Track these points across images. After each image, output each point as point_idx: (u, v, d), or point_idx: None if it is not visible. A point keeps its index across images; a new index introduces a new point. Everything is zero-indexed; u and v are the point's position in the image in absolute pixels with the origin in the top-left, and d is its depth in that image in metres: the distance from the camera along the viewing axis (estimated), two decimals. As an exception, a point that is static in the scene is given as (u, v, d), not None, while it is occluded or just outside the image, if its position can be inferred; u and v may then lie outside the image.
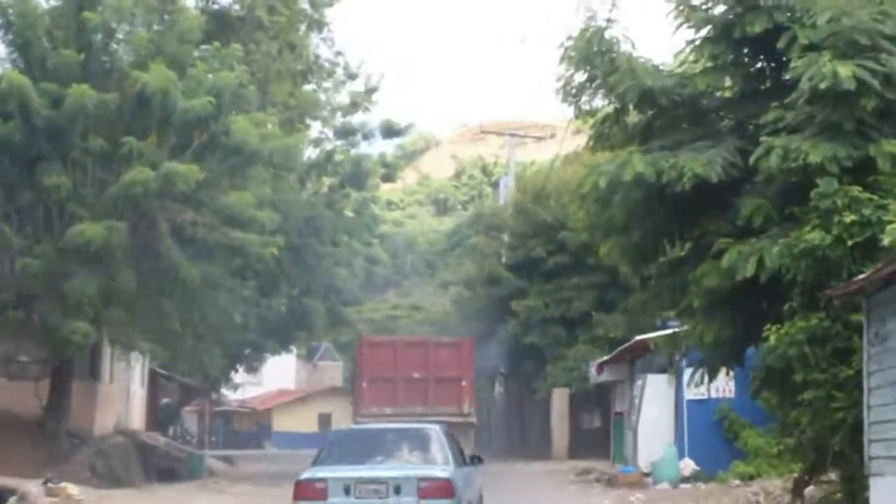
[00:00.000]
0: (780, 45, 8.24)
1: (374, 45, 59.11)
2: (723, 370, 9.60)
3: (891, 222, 7.24)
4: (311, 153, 21.33)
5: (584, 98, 9.07)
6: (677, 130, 8.88)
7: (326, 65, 20.86)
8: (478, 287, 24.76)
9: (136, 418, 21.23)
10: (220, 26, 17.23)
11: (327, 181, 22.26)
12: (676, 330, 9.93)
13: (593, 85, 8.93)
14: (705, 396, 13.29)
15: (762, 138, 7.99)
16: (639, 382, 15.02)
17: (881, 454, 6.96)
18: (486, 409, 27.21)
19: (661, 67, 8.94)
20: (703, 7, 8.84)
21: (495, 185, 41.35)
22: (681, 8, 8.80)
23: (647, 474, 13.86)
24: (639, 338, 14.53)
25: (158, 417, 24.22)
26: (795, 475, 9.26)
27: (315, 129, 21.50)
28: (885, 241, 7.16)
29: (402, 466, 7.90)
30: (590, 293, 21.07)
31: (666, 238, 9.12)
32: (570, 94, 9.05)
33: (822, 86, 7.61)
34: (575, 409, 21.29)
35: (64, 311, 13.40)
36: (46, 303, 13.75)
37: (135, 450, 17.69)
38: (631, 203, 8.69)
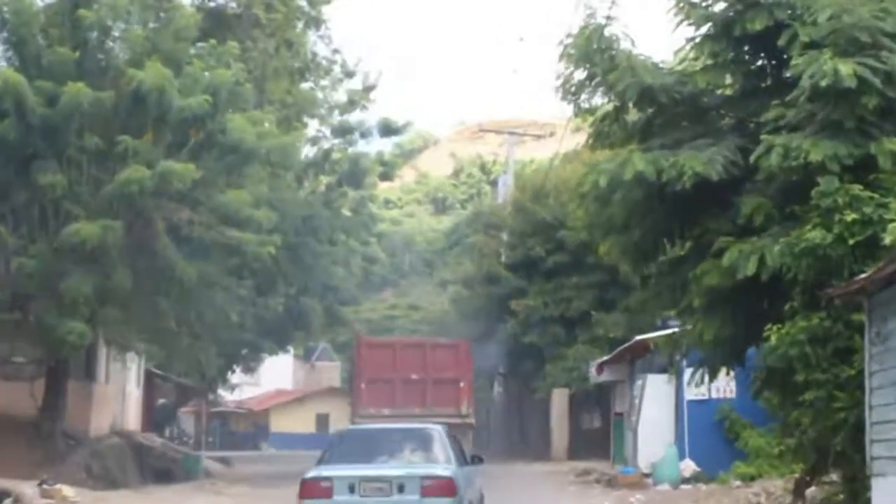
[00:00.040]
0: (781, 42, 8.19)
1: (374, 45, 59.13)
2: (723, 370, 9.56)
3: (892, 221, 7.20)
4: (308, 151, 21.28)
5: (583, 96, 9.03)
6: (677, 128, 8.83)
7: (324, 62, 20.78)
8: (476, 286, 24.70)
9: (132, 419, 21.15)
10: (216, 24, 17.13)
11: (325, 180, 22.18)
12: (676, 330, 9.87)
13: (593, 83, 8.89)
14: (706, 397, 13.24)
15: (763, 136, 7.95)
16: (639, 382, 14.96)
17: (883, 454, 6.92)
18: (485, 410, 27.17)
19: (661, 65, 8.90)
20: (704, 4, 8.79)
21: (494, 184, 41.27)
22: (681, 5, 8.75)
23: (647, 475, 13.81)
24: (639, 338, 14.48)
25: (155, 418, 24.15)
26: (797, 476, 9.22)
27: (312, 127, 21.46)
28: (887, 239, 7.13)
29: (406, 465, 8.05)
30: (589, 292, 21.02)
31: (666, 237, 9.08)
32: (570, 92, 9.01)
33: (823, 83, 7.57)
34: (575, 410, 21.25)
35: (59, 311, 13.32)
36: (42, 302, 13.67)
37: (131, 451, 17.61)
38: (631, 202, 8.64)
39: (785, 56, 8.34)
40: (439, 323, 30.11)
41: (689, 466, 13.34)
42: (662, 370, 13.93)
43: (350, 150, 22.04)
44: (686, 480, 13.17)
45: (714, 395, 13.35)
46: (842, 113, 7.74)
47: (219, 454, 25.48)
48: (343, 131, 21.93)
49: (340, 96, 21.78)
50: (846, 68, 7.51)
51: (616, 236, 9.20)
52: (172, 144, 14.02)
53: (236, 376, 28.46)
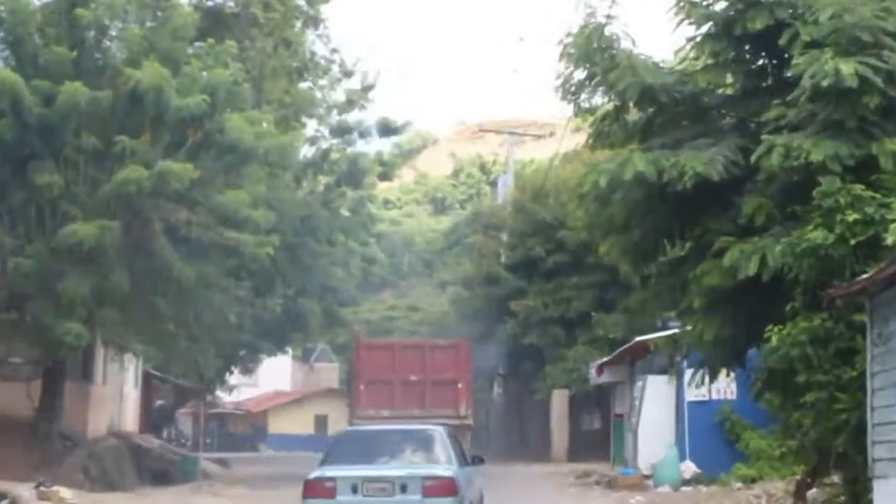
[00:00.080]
0: (782, 41, 8.15)
1: (374, 45, 59.11)
2: (723, 371, 9.51)
3: (894, 221, 7.15)
4: (306, 151, 21.23)
5: (583, 96, 8.99)
6: (678, 128, 8.79)
7: (322, 62, 20.73)
8: (476, 287, 24.66)
9: (130, 420, 21.09)
10: (214, 23, 17.08)
11: (323, 180, 22.14)
12: (677, 330, 9.82)
13: (593, 82, 8.85)
14: (706, 398, 13.20)
15: (763, 136, 7.91)
16: (639, 384, 14.92)
17: (885, 456, 6.87)
18: (484, 411, 27.12)
19: (661, 64, 8.86)
20: (704, 3, 8.75)
21: (494, 184, 41.24)
22: (681, 4, 8.71)
23: (647, 477, 13.77)
24: (639, 339, 14.44)
25: (152, 419, 24.09)
26: (798, 477, 9.17)
27: (311, 127, 21.41)
28: (889, 239, 7.08)
29: (408, 466, 8.21)
30: (589, 293, 20.98)
31: (666, 237, 9.04)
32: (570, 91, 8.97)
33: (825, 83, 7.53)
34: (574, 411, 21.20)
35: (56, 312, 13.27)
36: (39, 303, 13.62)
37: (128, 452, 17.56)
38: (631, 202, 8.60)
39: (786, 55, 8.30)
40: (439, 324, 30.06)
41: (689, 468, 13.30)
42: (663, 371, 13.88)
43: (349, 150, 21.99)
44: (686, 482, 13.12)
45: (715, 397, 13.31)
46: (843, 113, 7.70)
47: (217, 455, 25.42)
48: (342, 131, 21.88)
49: (339, 96, 21.76)
50: (847, 68, 7.47)
51: (616, 236, 9.16)
52: (170, 144, 13.97)
53: (234, 377, 28.38)
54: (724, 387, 12.92)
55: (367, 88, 21.74)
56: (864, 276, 6.90)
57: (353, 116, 21.92)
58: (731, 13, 8.54)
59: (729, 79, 9.10)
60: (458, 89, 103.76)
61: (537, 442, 22.85)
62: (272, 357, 27.36)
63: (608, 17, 8.76)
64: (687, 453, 13.52)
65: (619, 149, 8.85)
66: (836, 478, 8.28)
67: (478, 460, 9.26)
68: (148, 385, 23.03)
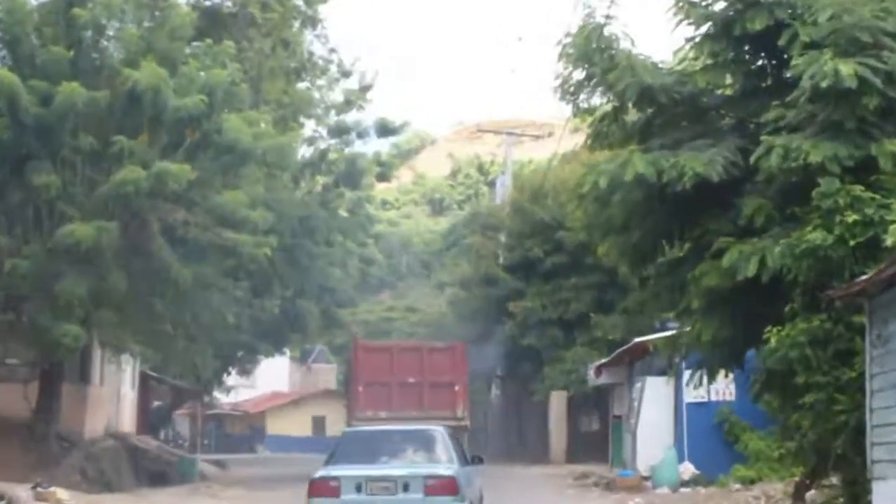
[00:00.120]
0: (781, 42, 8.14)
1: (374, 45, 59.04)
2: (722, 372, 9.50)
3: (893, 222, 7.15)
4: (304, 152, 21.20)
5: (582, 96, 8.99)
6: (677, 129, 8.78)
7: (320, 62, 20.71)
8: (474, 288, 24.62)
9: (127, 421, 21.03)
10: (211, 23, 17.04)
11: (321, 180, 22.11)
12: (675, 332, 9.80)
13: (592, 83, 8.84)
14: (705, 399, 13.18)
15: (762, 137, 7.90)
16: (638, 385, 14.89)
17: (884, 458, 6.86)
18: (482, 412, 27.07)
19: (660, 65, 8.85)
20: (703, 3, 8.75)
21: (492, 185, 41.23)
22: (680, 4, 8.70)
23: (646, 478, 13.74)
24: (638, 340, 14.42)
25: (150, 420, 24.02)
26: (797, 479, 9.17)
27: (309, 127, 21.38)
28: (888, 241, 7.07)
29: (410, 465, 8.40)
30: (588, 294, 20.95)
31: (665, 238, 9.03)
32: (569, 91, 8.96)
33: (824, 84, 7.52)
34: (573, 412, 21.17)
35: (53, 313, 13.23)
36: (36, 304, 13.58)
37: (125, 453, 17.52)
38: (631, 203, 8.60)
39: (785, 56, 8.29)
40: (437, 325, 30.00)
41: (688, 469, 13.27)
42: (661, 372, 13.86)
43: (347, 150, 21.98)
44: (685, 483, 13.10)
45: (713, 398, 13.29)
46: (842, 114, 7.69)
47: (214, 457, 25.37)
48: (340, 131, 21.86)
49: (337, 96, 21.74)
50: (847, 69, 7.46)
51: (615, 237, 9.15)
52: (168, 145, 13.94)
53: (232, 378, 28.33)
54: (723, 388, 12.89)
55: (365, 89, 21.73)
56: (864, 277, 6.90)
57: (351, 117, 21.93)
58: (731, 13, 8.54)
59: (728, 79, 9.09)
60: (457, 89, 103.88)
61: (535, 443, 22.82)
62: (270, 358, 27.31)
63: (607, 17, 8.77)
64: (686, 455, 13.49)
65: (618, 149, 8.84)
66: (834, 479, 8.27)
67: (477, 460, 9.43)
68: (145, 386, 22.97)
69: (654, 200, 8.51)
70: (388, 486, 8.06)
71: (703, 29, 8.74)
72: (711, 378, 9.54)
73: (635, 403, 14.84)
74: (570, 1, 25.65)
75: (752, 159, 7.88)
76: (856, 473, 7.51)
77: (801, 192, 7.75)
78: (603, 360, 17.50)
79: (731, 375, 10.36)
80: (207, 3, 18.09)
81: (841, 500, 8.08)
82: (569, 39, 8.81)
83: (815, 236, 7.42)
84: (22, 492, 11.51)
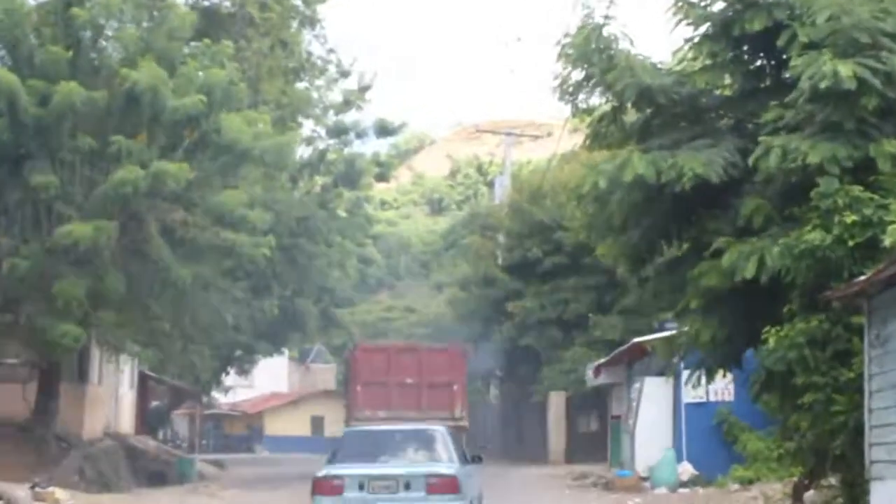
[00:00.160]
0: (780, 42, 8.14)
1: (373, 45, 58.94)
2: (720, 372, 9.50)
3: (892, 222, 7.15)
4: (303, 152, 21.23)
5: (581, 96, 8.99)
6: (676, 129, 8.78)
7: (319, 62, 20.71)
8: (473, 288, 24.62)
9: (126, 421, 21.00)
10: (210, 23, 17.03)
11: (320, 180, 22.12)
12: (674, 332, 9.80)
13: (591, 83, 8.84)
14: (704, 400, 13.18)
15: (761, 138, 7.90)
16: (636, 385, 14.89)
17: (882, 458, 6.86)
18: (481, 413, 27.06)
19: (659, 65, 8.85)
20: (702, 4, 8.75)
21: (491, 185, 41.22)
22: (679, 5, 8.70)
23: (644, 478, 13.74)
24: (636, 340, 14.42)
25: (148, 421, 23.97)
26: (795, 479, 9.17)
27: (307, 127, 21.39)
28: (887, 241, 7.07)
29: (412, 464, 8.51)
30: (587, 295, 20.96)
31: (664, 238, 9.03)
32: (568, 92, 8.95)
33: (823, 85, 7.52)
34: (572, 413, 21.17)
35: (52, 313, 13.21)
36: (34, 304, 13.55)
37: (124, 453, 17.50)
38: (630, 203, 8.60)
39: (784, 56, 8.29)
40: (435, 325, 30.01)
41: (686, 470, 13.27)
42: (660, 373, 13.86)
43: (345, 150, 21.97)
44: (684, 484, 13.10)
45: (712, 398, 13.29)
46: (841, 114, 7.69)
47: (213, 457, 25.33)
48: (338, 131, 21.86)
49: (336, 96, 21.75)
50: (846, 69, 7.46)
51: (614, 237, 9.15)
52: (166, 145, 13.93)
53: (230, 378, 28.29)
54: (722, 388, 12.89)
55: (363, 89, 21.75)
56: (862, 277, 6.90)
57: (349, 117, 21.96)
58: (730, 14, 8.53)
59: (727, 80, 9.09)
60: (456, 90, 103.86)
61: (534, 444, 22.82)
62: (268, 358, 27.29)
63: (606, 17, 8.77)
64: (684, 455, 13.49)
65: (617, 150, 8.84)
66: (833, 480, 8.26)
67: (477, 459, 9.55)
68: (144, 386, 22.94)
69: (653, 201, 8.50)
70: (391, 484, 8.19)
71: (702, 29, 8.74)
72: (710, 378, 9.53)
73: (634, 404, 14.84)
74: (569, 1, 25.64)
75: (750, 160, 7.88)
76: (854, 474, 7.51)
77: (800, 193, 7.75)
78: (602, 361, 17.50)
79: (729, 376, 10.36)
80: (206, 3, 18.09)
81: (839, 500, 8.07)
82: (568, 40, 8.81)
83: (814, 237, 7.42)
84: (20, 492, 11.49)
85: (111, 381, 19.52)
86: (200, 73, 14.17)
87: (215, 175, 14.60)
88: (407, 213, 52.49)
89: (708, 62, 8.88)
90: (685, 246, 8.92)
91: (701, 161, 7.98)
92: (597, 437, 19.22)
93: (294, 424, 36.89)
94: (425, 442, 8.86)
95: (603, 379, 17.47)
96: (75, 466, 14.69)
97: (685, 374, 10.55)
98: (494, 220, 25.55)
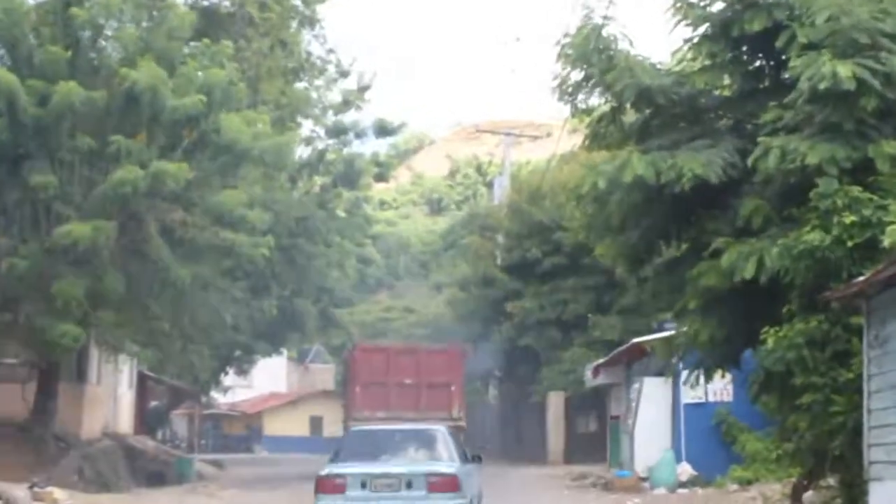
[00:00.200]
0: (779, 43, 8.15)
1: (373, 45, 58.88)
2: (719, 373, 9.51)
3: (891, 223, 7.15)
4: (302, 152, 21.23)
5: (580, 96, 9.00)
6: (675, 129, 8.79)
7: (318, 62, 20.71)
8: (472, 288, 24.63)
9: (124, 421, 20.99)
10: (210, 23, 17.02)
11: (319, 180, 22.12)
12: (673, 332, 9.81)
13: (590, 83, 8.85)
14: (703, 400, 13.19)
15: (760, 138, 7.90)
16: (635, 386, 14.89)
17: (881, 459, 6.86)
18: (480, 413, 27.06)
19: (658, 66, 8.85)
20: (702, 4, 8.75)
21: (490, 185, 41.22)
22: (679, 5, 8.71)
23: (643, 479, 13.75)
24: (635, 341, 14.43)
25: (147, 421, 23.96)
26: (794, 480, 9.17)
27: (307, 127, 21.39)
28: (886, 242, 7.07)
29: (413, 463, 8.67)
30: (586, 295, 20.98)
31: (663, 238, 9.04)
32: (567, 92, 8.96)
33: (822, 86, 7.53)
34: (571, 413, 21.18)
35: (51, 313, 13.19)
36: (33, 304, 13.54)
37: (122, 453, 17.48)
38: (629, 203, 8.61)
39: (783, 57, 8.30)
40: (434, 325, 30.00)
41: (685, 470, 13.28)
42: (659, 373, 13.86)
43: (345, 150, 21.99)
44: (683, 484, 13.10)
45: (711, 399, 13.29)
46: (841, 115, 7.69)
47: (211, 457, 25.32)
48: (337, 132, 21.87)
49: (335, 96, 21.76)
50: (845, 70, 7.46)
51: (613, 237, 9.16)
52: (166, 145, 13.92)
53: (229, 378, 28.28)
54: (721, 389, 12.90)
55: (363, 89, 21.75)
56: (861, 278, 6.90)
57: (349, 117, 21.97)
58: (729, 14, 8.54)
59: (726, 80, 9.10)
60: (456, 90, 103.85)
61: (533, 444, 22.82)
62: (267, 358, 27.28)
63: (606, 18, 8.77)
64: (683, 455, 13.49)
65: (616, 150, 8.85)
66: (832, 480, 8.27)
67: (476, 458, 9.68)
68: (142, 386, 22.92)
69: (653, 201, 8.51)
70: (393, 482, 8.33)
71: (702, 30, 8.75)
72: (708, 378, 9.54)
73: (633, 404, 14.84)
74: (568, 1, 25.63)
75: (749, 160, 7.88)
76: (853, 475, 7.52)
77: (799, 193, 7.76)
78: (601, 361, 17.50)
79: (728, 376, 10.36)
80: (205, 3, 18.08)
81: (838, 501, 8.08)
82: (567, 40, 8.81)
83: (813, 237, 7.42)
84: (19, 491, 11.48)
85: (110, 381, 19.50)
86: (200, 73, 14.17)
87: (214, 175, 14.60)
88: (406, 213, 52.49)
89: (707, 63, 8.89)
90: (684, 246, 8.93)
91: (700, 162, 7.98)
92: (596, 437, 19.22)
93: (293, 424, 36.89)
94: (426, 441, 9.00)
95: (602, 379, 17.48)
96: (74, 466, 14.68)
97: (684, 374, 10.55)
98: (493, 221, 25.56)
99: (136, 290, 14.22)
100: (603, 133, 9.14)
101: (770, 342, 7.59)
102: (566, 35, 8.83)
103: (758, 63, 8.96)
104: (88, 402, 17.50)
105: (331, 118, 21.78)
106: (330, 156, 21.75)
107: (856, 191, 7.49)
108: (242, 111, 14.97)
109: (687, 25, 8.72)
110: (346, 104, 21.69)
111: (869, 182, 7.61)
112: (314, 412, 37.34)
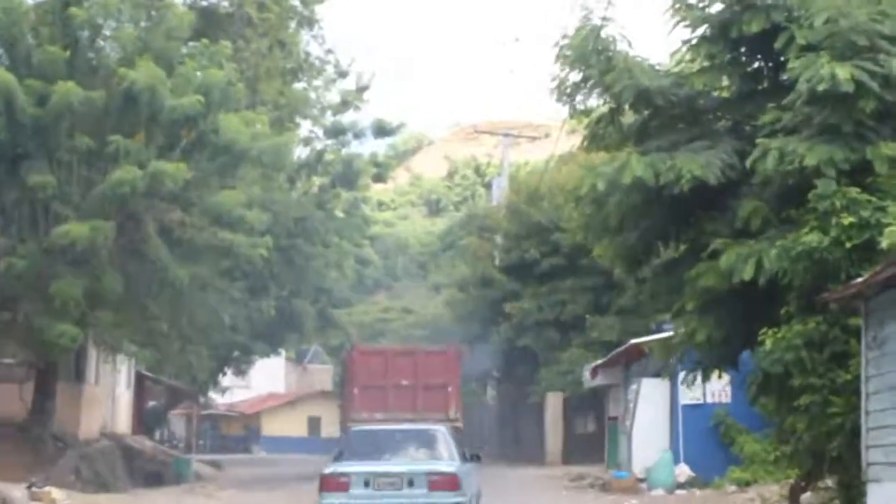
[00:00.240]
0: (778, 45, 8.16)
1: (371, 46, 58.86)
2: (716, 373, 9.52)
3: (889, 224, 7.16)
4: (301, 152, 21.22)
5: (579, 97, 9.01)
6: (673, 131, 8.80)
7: (317, 63, 20.71)
8: (470, 289, 24.64)
9: (122, 421, 20.97)
10: (208, 23, 17.02)
11: (317, 181, 22.12)
12: (671, 334, 9.82)
13: (588, 84, 8.86)
14: (701, 401, 13.20)
15: (759, 140, 7.92)
16: (633, 386, 14.90)
17: (879, 460, 6.88)
18: (478, 414, 27.06)
19: (657, 67, 8.86)
20: (700, 6, 8.76)
21: (489, 186, 41.22)
22: (677, 6, 8.72)
23: (641, 480, 13.75)
24: (633, 341, 14.44)
25: (145, 421, 23.94)
26: (792, 481, 9.17)
27: (305, 127, 21.39)
28: (884, 243, 7.08)
29: (414, 462, 8.91)
30: (584, 296, 21.00)
31: (661, 239, 9.06)
32: (565, 93, 8.97)
33: (821, 87, 7.54)
34: (569, 414, 21.19)
35: (49, 313, 13.18)
36: (31, 304, 13.52)
37: (120, 453, 17.46)
38: (627, 204, 8.63)
39: (782, 59, 8.31)
40: (433, 326, 30.02)
41: (683, 471, 13.28)
42: (657, 374, 13.87)
43: (343, 151, 21.99)
44: (681, 485, 13.11)
45: (709, 400, 13.30)
46: (839, 117, 7.71)
47: (209, 457, 25.31)
48: (336, 132, 21.86)
49: (333, 97, 21.75)
50: (843, 72, 7.47)
51: (611, 238, 9.17)
52: (164, 145, 13.92)
53: (227, 379, 28.27)
54: (719, 390, 12.90)
55: (361, 89, 21.75)
56: (859, 279, 6.92)
57: (347, 117, 21.96)
58: (727, 16, 8.55)
59: (725, 82, 9.12)
60: (455, 90, 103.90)
61: (531, 445, 22.82)
62: (265, 359, 27.27)
63: (604, 19, 8.78)
64: (681, 456, 13.50)
65: (615, 151, 8.86)
66: (830, 482, 8.28)
67: (475, 458, 9.91)
68: (141, 386, 22.90)
69: (652, 203, 8.52)
70: (394, 481, 8.56)
71: (700, 31, 8.76)
72: (706, 378, 9.55)
73: (631, 405, 14.85)
74: (567, 2, 25.64)
75: (748, 162, 7.90)
76: (851, 476, 7.52)
77: (798, 195, 7.78)
78: (599, 362, 17.52)
79: (726, 377, 10.37)
80: (204, 3, 18.08)
81: (836, 502, 8.08)
82: (566, 41, 8.82)
83: (811, 238, 7.44)
84: (17, 491, 11.46)
85: (108, 381, 19.48)
86: (198, 73, 14.16)
87: (213, 175, 14.59)
88: (404, 213, 52.49)
89: (706, 64, 8.90)
90: (683, 247, 8.94)
91: (699, 163, 8.00)
92: (594, 438, 19.23)
93: (291, 425, 36.89)
94: (427, 441, 9.22)
95: (600, 380, 17.48)
96: (72, 466, 14.66)
97: (682, 375, 10.55)
98: (492, 222, 25.56)
99: (135, 291, 14.21)
100: (601, 134, 9.15)
101: (768, 343, 7.61)
102: (565, 36, 8.85)
103: (756, 64, 8.97)
104: (86, 402, 17.48)
105: (329, 118, 21.80)
106: (328, 156, 21.74)
107: (854, 192, 7.50)
108: (241, 111, 14.96)
109: (686, 27, 8.74)
110: (345, 104, 21.70)
111: (867, 183, 7.63)
112: (312, 412, 37.34)
